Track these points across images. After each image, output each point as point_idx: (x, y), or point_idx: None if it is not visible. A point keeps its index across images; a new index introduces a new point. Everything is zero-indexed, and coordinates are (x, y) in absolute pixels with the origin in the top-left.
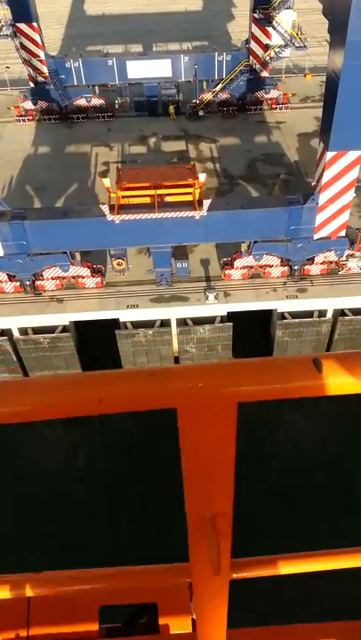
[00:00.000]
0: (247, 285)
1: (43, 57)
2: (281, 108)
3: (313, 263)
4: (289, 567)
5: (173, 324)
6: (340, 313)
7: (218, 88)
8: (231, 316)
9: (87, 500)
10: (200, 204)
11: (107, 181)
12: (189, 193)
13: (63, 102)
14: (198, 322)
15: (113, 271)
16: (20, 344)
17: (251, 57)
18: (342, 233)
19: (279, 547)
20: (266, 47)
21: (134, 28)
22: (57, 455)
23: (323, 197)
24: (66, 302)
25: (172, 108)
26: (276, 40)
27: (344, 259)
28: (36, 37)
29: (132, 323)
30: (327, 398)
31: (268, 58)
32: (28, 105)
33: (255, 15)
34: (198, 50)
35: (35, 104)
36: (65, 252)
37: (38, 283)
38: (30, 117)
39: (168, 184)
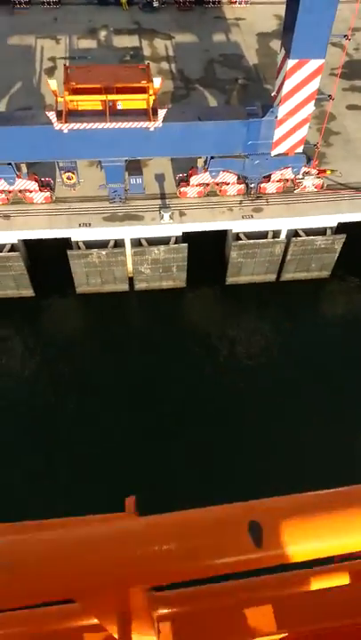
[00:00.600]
0: (203, 204)
1: None
2: (240, 3)
3: (269, 181)
4: None
5: (128, 244)
6: (294, 233)
7: None
8: (186, 237)
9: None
10: (155, 112)
11: (53, 83)
12: (144, 99)
13: None
14: (153, 242)
15: (63, 185)
16: None
17: None
18: (300, 149)
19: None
20: None
21: None
22: None
23: (282, 110)
24: (13, 219)
25: None
26: None
27: (300, 176)
28: None
29: (84, 242)
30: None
31: None
32: None
33: None
34: None
35: None
36: (10, 164)
37: None
38: None
39: (121, 86)
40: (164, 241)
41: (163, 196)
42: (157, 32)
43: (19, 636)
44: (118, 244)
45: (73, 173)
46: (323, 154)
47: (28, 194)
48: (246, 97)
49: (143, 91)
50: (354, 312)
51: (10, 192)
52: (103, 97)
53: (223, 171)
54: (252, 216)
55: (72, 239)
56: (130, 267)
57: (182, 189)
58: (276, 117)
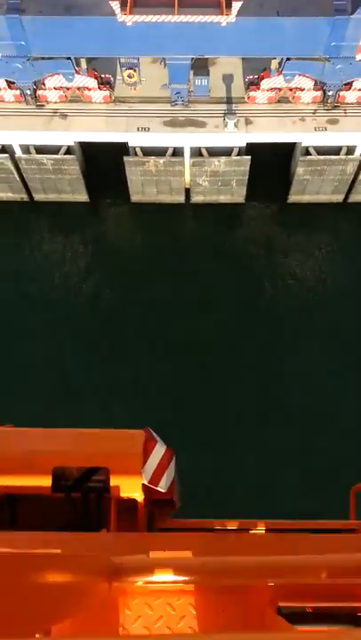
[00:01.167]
0: (272, 112)
1: None
2: None
3: (350, 89)
4: None
5: (187, 153)
6: None
7: None
8: (250, 148)
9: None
10: (228, 5)
11: None
12: None
13: None
14: (214, 152)
15: (123, 84)
16: (22, 163)
17: None
18: None
19: None
20: None
21: None
22: None
23: None
24: (70, 118)
25: None
26: None
27: None
28: None
29: (142, 149)
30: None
31: None
32: None
33: None
34: None
35: None
36: (68, 58)
37: (40, 92)
38: None
39: None
40: (225, 151)
41: (229, 101)
42: None
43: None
44: (177, 152)
45: (134, 71)
46: None
47: (86, 92)
48: None
49: None
50: None
51: (68, 89)
52: None
53: (299, 74)
54: (325, 128)
55: (129, 144)
56: (187, 177)
57: (251, 93)
58: None
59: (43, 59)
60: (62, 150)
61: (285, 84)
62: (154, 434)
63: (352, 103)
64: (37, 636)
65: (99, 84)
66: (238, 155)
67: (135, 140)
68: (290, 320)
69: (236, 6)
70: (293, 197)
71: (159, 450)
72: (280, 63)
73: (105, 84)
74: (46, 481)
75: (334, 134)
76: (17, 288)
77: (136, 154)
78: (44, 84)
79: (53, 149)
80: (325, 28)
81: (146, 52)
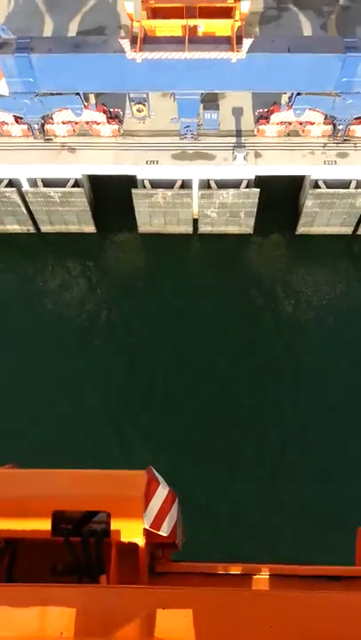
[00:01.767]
0: (282, 145)
1: None
2: None
3: None
4: None
5: (195, 185)
6: None
7: None
8: (259, 181)
9: None
10: (239, 41)
11: (129, 5)
12: (228, 24)
13: None
14: (222, 185)
15: (132, 118)
16: (29, 196)
17: None
18: None
19: None
20: None
21: None
22: None
23: None
24: (78, 152)
25: None
26: None
27: None
28: None
29: (150, 181)
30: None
31: None
32: None
33: None
34: None
35: None
36: (78, 94)
37: (48, 127)
38: None
39: (205, 6)
40: (234, 184)
41: (238, 134)
42: None
43: None
44: (185, 184)
45: (144, 105)
46: None
47: (94, 126)
48: (347, 22)
49: (229, 13)
50: None
51: (76, 123)
52: (184, 21)
53: (309, 109)
54: (335, 162)
55: (138, 177)
56: (195, 209)
57: (261, 127)
58: None
59: (51, 94)
60: (70, 183)
61: (295, 117)
62: (156, 474)
63: None
64: None
65: (107, 118)
66: (247, 187)
67: (144, 172)
68: (293, 360)
69: (246, 43)
70: (302, 229)
71: (161, 492)
72: (290, 98)
73: (114, 117)
74: (45, 525)
75: (344, 167)
76: (21, 318)
77: (144, 186)
78: (52, 119)
79: (61, 182)
80: (337, 64)
81: (155, 88)
